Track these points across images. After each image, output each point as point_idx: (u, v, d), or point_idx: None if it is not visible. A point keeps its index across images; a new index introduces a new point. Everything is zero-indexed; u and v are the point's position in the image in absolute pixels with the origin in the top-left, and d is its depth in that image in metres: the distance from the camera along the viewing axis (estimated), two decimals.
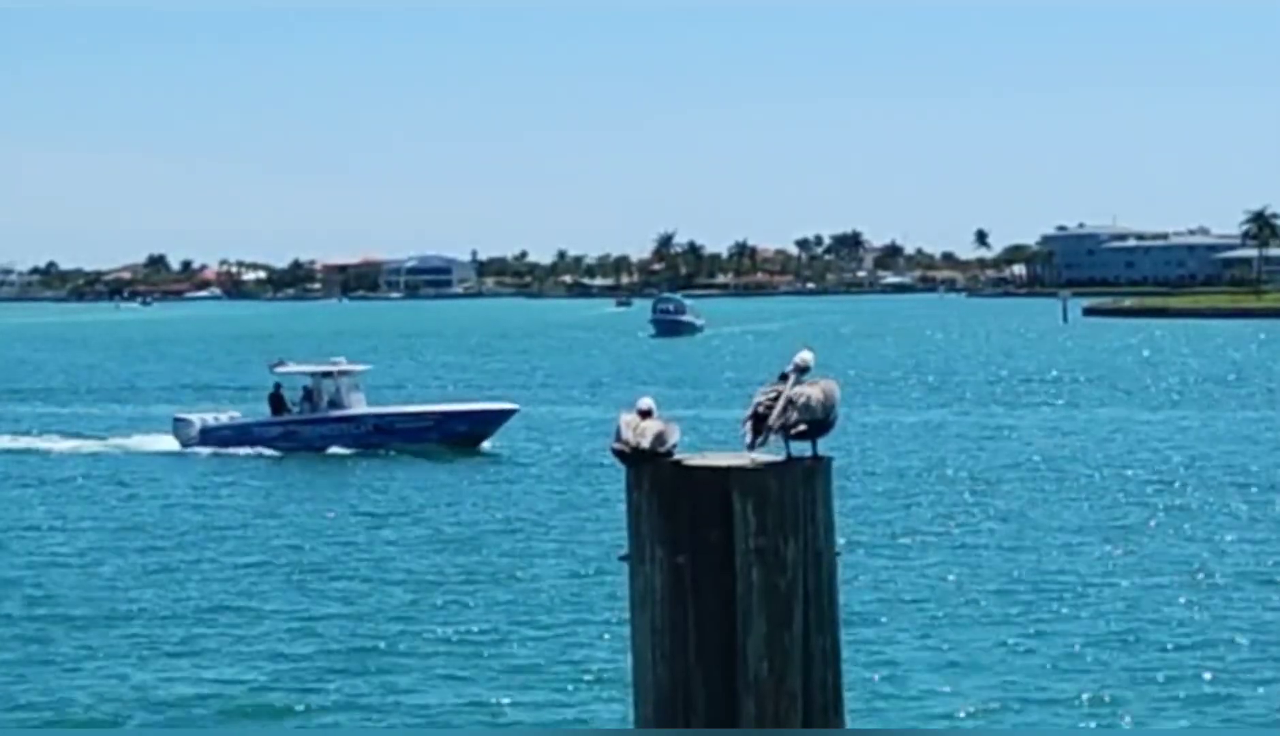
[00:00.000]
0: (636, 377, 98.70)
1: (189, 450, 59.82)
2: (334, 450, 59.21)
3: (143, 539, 41.33)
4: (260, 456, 58.74)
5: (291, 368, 63.97)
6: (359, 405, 61.83)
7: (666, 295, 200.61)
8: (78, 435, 65.68)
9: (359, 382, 62.96)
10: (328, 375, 61.94)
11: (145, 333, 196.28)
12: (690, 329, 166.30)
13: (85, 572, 36.54)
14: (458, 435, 59.62)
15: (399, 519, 44.02)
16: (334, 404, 61.09)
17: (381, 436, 59.83)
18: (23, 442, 63.55)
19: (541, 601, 32.42)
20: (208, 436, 60.65)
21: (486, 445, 59.73)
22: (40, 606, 32.84)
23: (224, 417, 63.43)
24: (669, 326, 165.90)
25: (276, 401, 62.03)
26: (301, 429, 60.68)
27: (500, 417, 61.19)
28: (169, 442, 61.04)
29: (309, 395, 61.60)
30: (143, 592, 34.21)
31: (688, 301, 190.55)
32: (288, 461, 57.70)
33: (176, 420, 62.70)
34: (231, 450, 59.30)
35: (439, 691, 26.09)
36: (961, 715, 24.55)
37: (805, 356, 7.03)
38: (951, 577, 34.74)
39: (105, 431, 66.82)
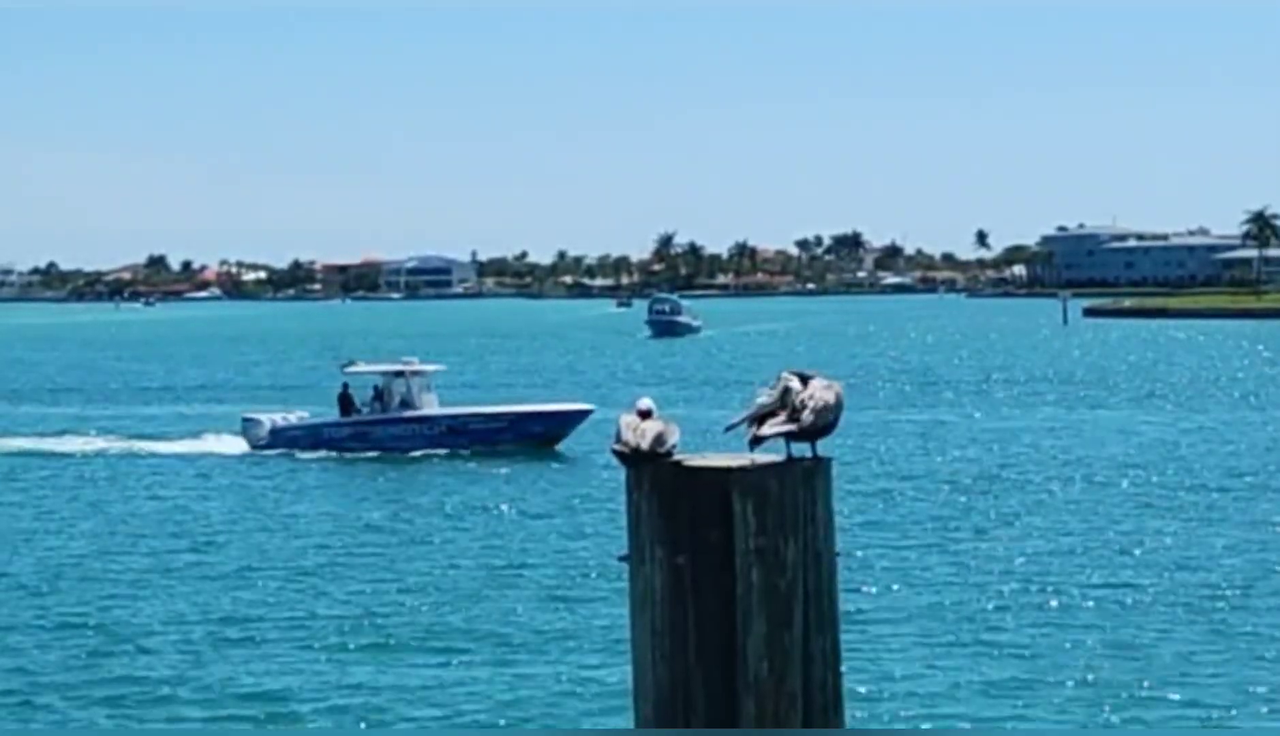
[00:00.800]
0: (635, 378, 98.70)
1: (258, 451, 59.11)
2: (408, 451, 58.20)
3: (216, 540, 40.85)
4: (330, 457, 57.95)
5: (362, 367, 63.17)
6: (431, 406, 60.72)
7: (662, 296, 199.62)
8: (148, 437, 64.61)
9: (430, 383, 61.88)
10: (399, 375, 60.83)
11: (173, 333, 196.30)
12: (686, 330, 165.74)
13: (161, 574, 36.22)
14: (533, 436, 58.76)
15: (474, 520, 43.45)
16: (405, 404, 60.05)
17: (455, 437, 58.76)
18: (94, 444, 62.62)
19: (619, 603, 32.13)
20: (277, 437, 59.82)
21: (561, 446, 58.76)
22: (119, 607, 32.74)
23: (292, 418, 62.18)
24: (665, 327, 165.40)
25: (345, 401, 60.87)
26: (373, 429, 59.71)
27: (576, 418, 59.99)
28: (238, 443, 60.20)
29: (380, 395, 60.57)
30: (218, 593, 34.04)
31: (684, 302, 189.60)
32: (360, 463, 56.84)
33: (245, 420, 61.74)
34: (301, 451, 58.64)
35: (508, 690, 26.16)
36: (961, 715, 24.55)
37: (792, 381, 6.99)
38: (951, 578, 34.75)
39: (172, 433, 66.02)
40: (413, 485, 51.24)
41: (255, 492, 49.79)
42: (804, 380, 6.96)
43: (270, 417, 61.80)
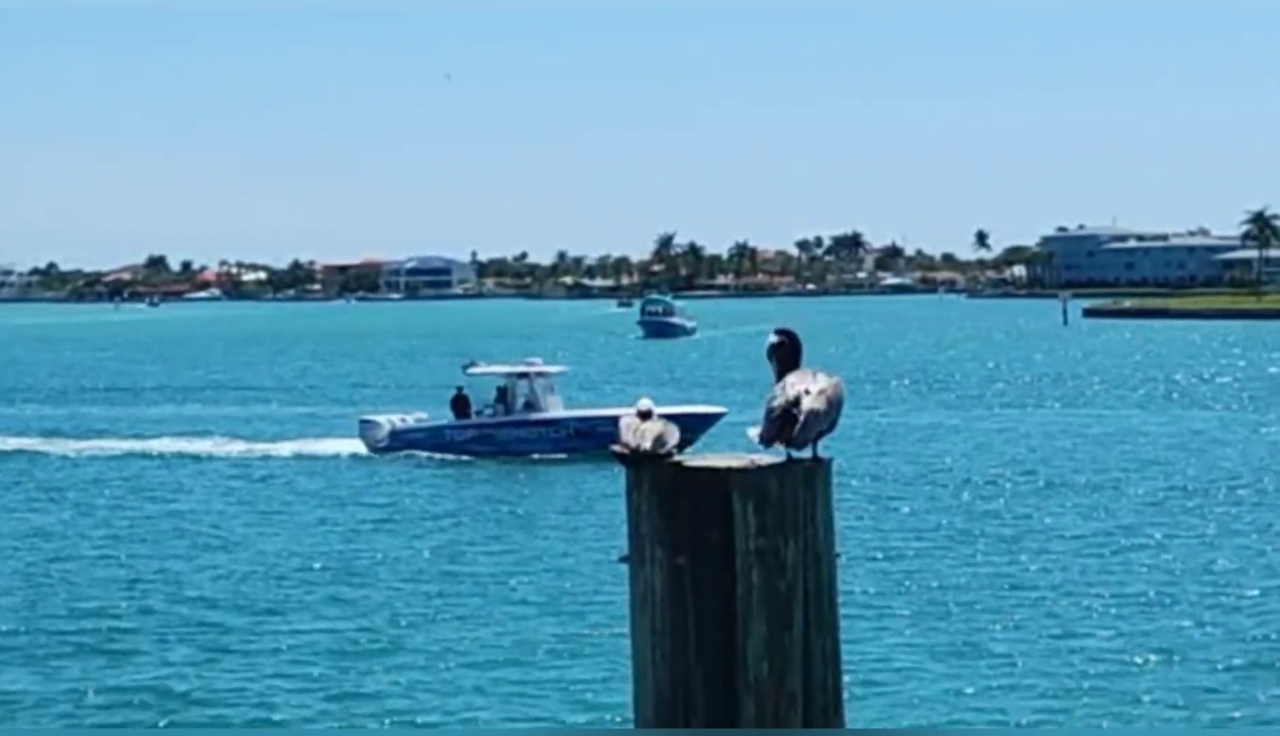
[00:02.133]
0: (623, 379, 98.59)
1: (376, 453, 58.09)
2: (532, 454, 57.13)
3: (338, 544, 40.25)
4: (452, 460, 56.84)
5: (484, 368, 61.83)
6: (555, 408, 59.65)
7: (654, 297, 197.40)
8: (263, 439, 63.74)
9: (553, 384, 60.78)
10: (523, 376, 59.63)
11: (204, 332, 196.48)
12: (680, 331, 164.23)
13: (283, 577, 35.82)
14: None
15: (601, 524, 42.42)
16: (529, 406, 58.94)
17: (582, 440, 56.90)
18: (205, 446, 61.84)
19: None
20: (397, 439, 58.58)
21: (692, 449, 57.39)
22: (244, 610, 32.61)
23: (410, 420, 60.65)
24: (657, 328, 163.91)
25: (460, 403, 59.60)
26: (497, 432, 58.51)
27: (708, 421, 58.13)
28: (355, 445, 59.12)
29: (502, 397, 59.31)
30: (352, 595, 33.81)
31: (678, 303, 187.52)
32: (483, 466, 55.79)
33: (363, 422, 60.57)
34: (422, 453, 57.61)
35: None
36: (961, 715, 24.55)
37: (774, 339, 7.02)
38: (950, 578, 34.76)
39: (288, 434, 65.31)
40: (541, 488, 50.10)
41: (379, 495, 48.91)
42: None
43: (389, 419, 60.51)
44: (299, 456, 58.37)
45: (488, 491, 50.10)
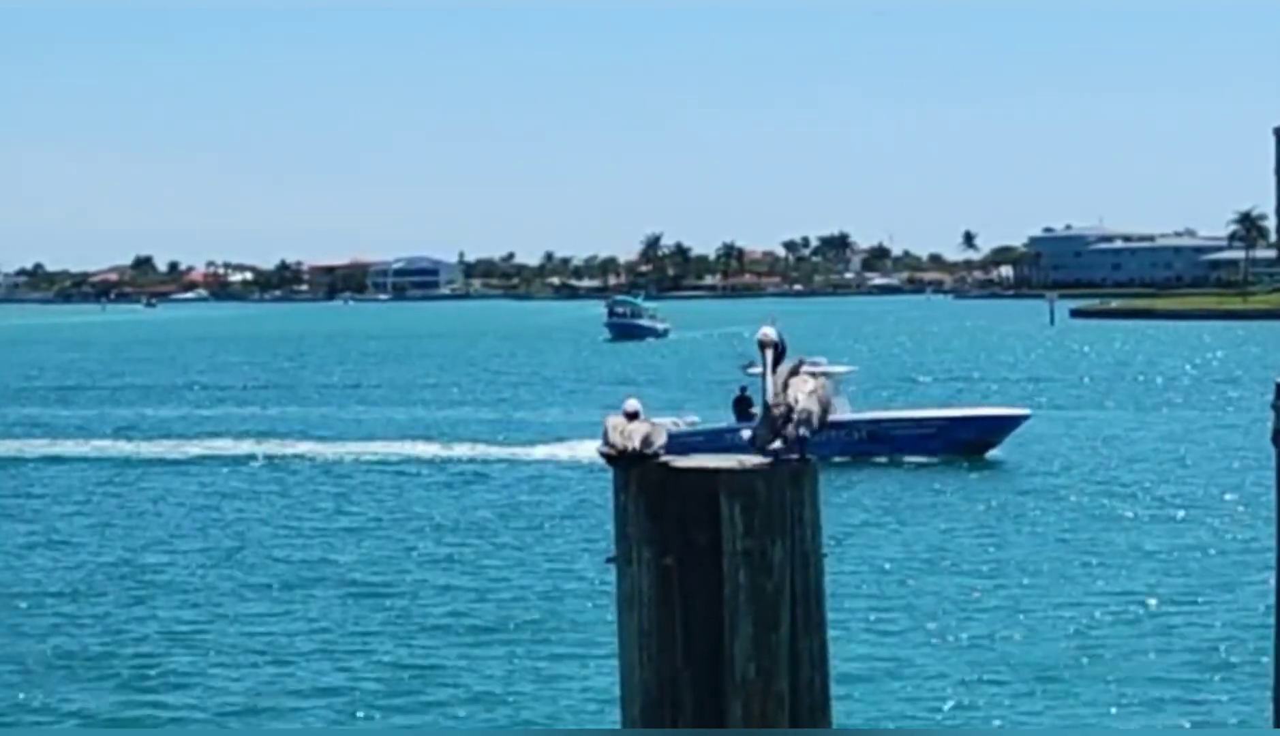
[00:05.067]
0: (579, 381, 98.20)
1: None
2: (822, 459, 54.65)
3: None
4: None
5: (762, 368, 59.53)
6: (842, 410, 55.68)
7: (621, 297, 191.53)
8: (512, 443, 62.02)
9: (839, 385, 57.05)
10: None
11: (255, 332, 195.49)
12: (649, 332, 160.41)
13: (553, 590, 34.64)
14: (962, 443, 55.16)
15: (897, 533, 40.58)
16: None
17: (875, 444, 55.19)
18: (451, 450, 59.81)
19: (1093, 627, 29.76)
20: (672, 444, 55.33)
21: (993, 454, 55.10)
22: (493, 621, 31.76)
23: (682, 423, 57.34)
24: (624, 330, 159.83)
25: (743, 405, 56.03)
26: None
27: (1010, 424, 56.37)
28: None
29: None
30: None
31: (648, 304, 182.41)
32: None
33: None
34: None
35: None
36: (948, 716, 24.55)
37: (768, 332, 7.13)
38: (937, 579, 34.77)
39: (537, 439, 62.70)
40: (833, 496, 46.78)
41: None
42: (794, 371, 7.00)
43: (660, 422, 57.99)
44: (553, 461, 55.91)
45: None
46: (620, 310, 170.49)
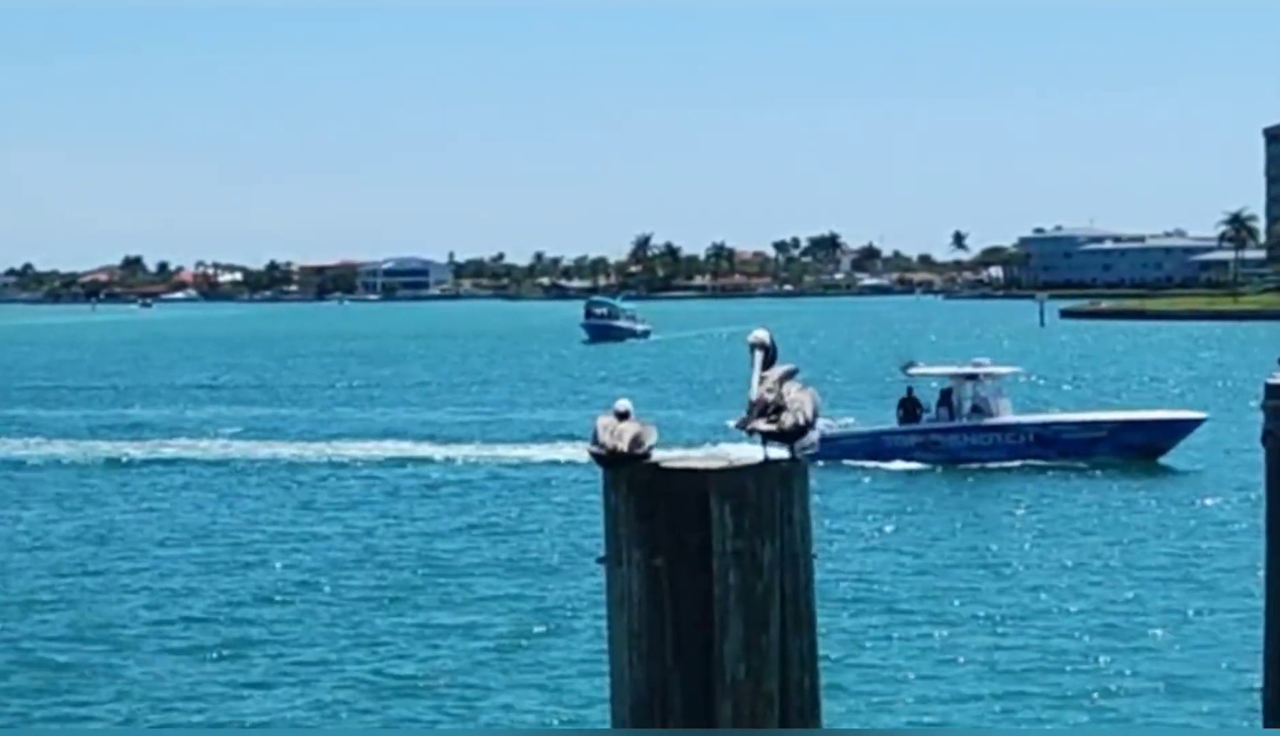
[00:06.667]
0: (546, 382, 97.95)
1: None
2: (987, 463, 53.11)
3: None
4: (892, 468, 52.94)
5: (923, 369, 58.26)
6: (1006, 412, 55.32)
7: (598, 299, 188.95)
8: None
9: (1003, 387, 56.74)
10: (970, 378, 55.54)
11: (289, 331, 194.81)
12: (628, 334, 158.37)
13: None
14: (1133, 447, 53.55)
15: (1068, 542, 39.20)
16: (978, 410, 54.81)
17: (1042, 448, 53.51)
18: (563, 451, 58.38)
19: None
20: (830, 446, 52.88)
21: (1166, 459, 53.57)
22: None
23: (835, 425, 56.06)
24: (602, 331, 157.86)
25: (909, 407, 55.38)
26: (945, 439, 54.32)
27: (1185, 428, 54.73)
28: (779, 453, 53.96)
29: (945, 400, 55.17)
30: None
31: (627, 305, 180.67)
32: (929, 475, 51.78)
33: None
34: (857, 460, 53.39)
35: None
36: (938, 716, 24.56)
37: (760, 334, 7.15)
38: (925, 579, 34.78)
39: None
40: (1002, 501, 46.42)
41: (826, 506, 44.10)
42: (788, 376, 7.02)
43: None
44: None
45: (939, 502, 46.77)
46: (597, 311, 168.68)
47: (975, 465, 52.90)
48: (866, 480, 50.76)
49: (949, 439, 54.32)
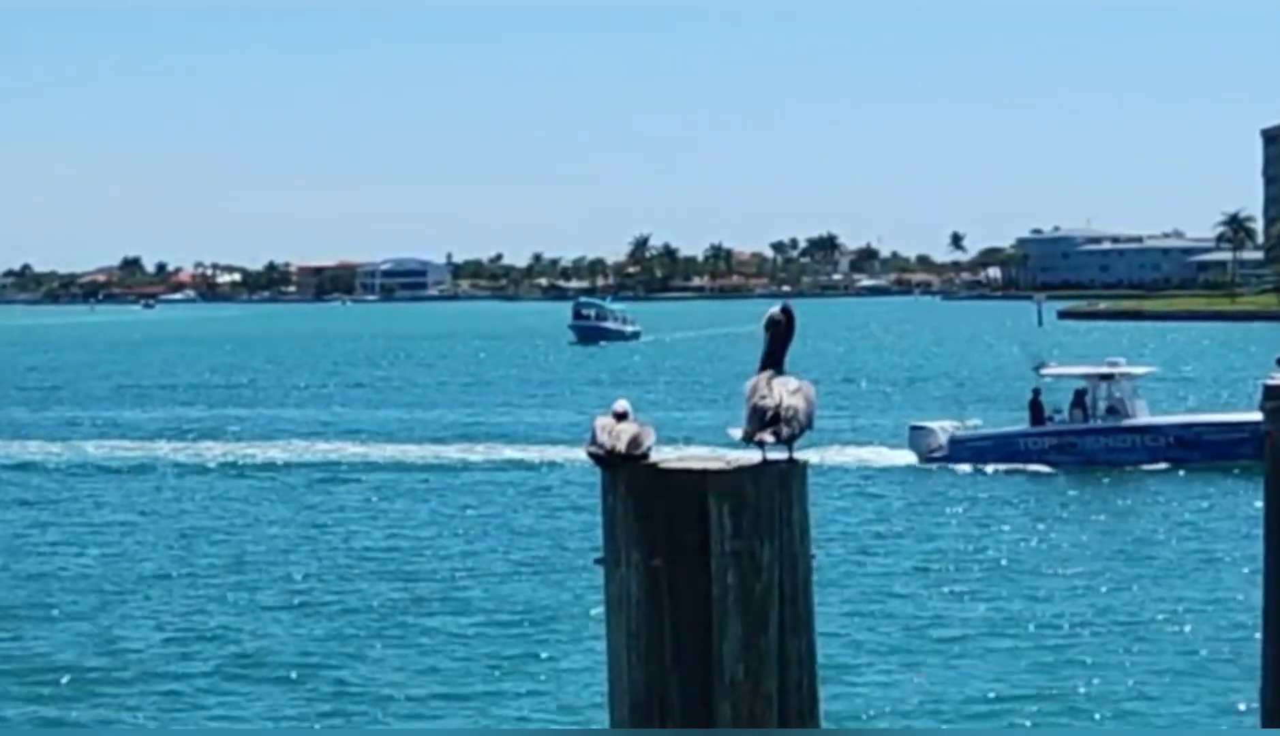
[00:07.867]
0: (521, 385, 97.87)
1: (931, 463, 53.05)
2: (1124, 465, 51.93)
3: (938, 565, 36.89)
4: (1026, 471, 52.01)
5: (1056, 369, 57.24)
6: (1142, 413, 54.25)
7: (587, 300, 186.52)
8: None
9: (1138, 387, 55.63)
10: (1106, 378, 54.48)
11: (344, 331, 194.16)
12: (617, 336, 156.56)
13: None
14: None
15: (1214, 547, 38.50)
16: (1114, 411, 53.82)
17: (1183, 450, 52.22)
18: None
19: None
20: (959, 449, 53.16)
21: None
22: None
23: (964, 427, 55.62)
24: (589, 333, 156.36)
25: (1037, 408, 54.62)
26: (1081, 440, 53.36)
27: None
28: (904, 455, 54.31)
29: (1079, 401, 54.27)
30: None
31: (616, 305, 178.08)
32: (1064, 478, 50.68)
33: (914, 430, 55.34)
34: (989, 464, 52.56)
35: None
36: (936, 716, 24.57)
37: (774, 312, 7.20)
38: (924, 581, 34.80)
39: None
40: (1146, 505, 45.69)
41: (950, 511, 44.72)
42: (776, 373, 7.01)
43: (941, 426, 55.33)
44: (845, 467, 53.12)
45: (1082, 507, 45.84)
46: (585, 312, 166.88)
47: (1110, 467, 51.98)
48: (997, 485, 49.78)
49: (1086, 440, 53.43)
